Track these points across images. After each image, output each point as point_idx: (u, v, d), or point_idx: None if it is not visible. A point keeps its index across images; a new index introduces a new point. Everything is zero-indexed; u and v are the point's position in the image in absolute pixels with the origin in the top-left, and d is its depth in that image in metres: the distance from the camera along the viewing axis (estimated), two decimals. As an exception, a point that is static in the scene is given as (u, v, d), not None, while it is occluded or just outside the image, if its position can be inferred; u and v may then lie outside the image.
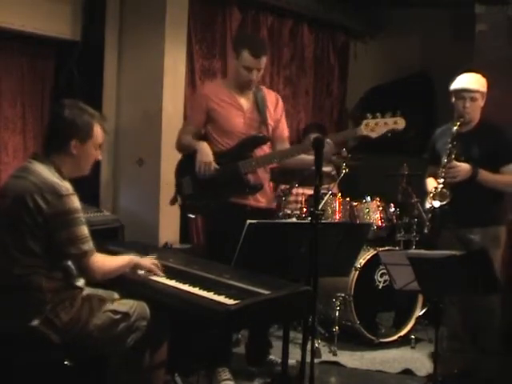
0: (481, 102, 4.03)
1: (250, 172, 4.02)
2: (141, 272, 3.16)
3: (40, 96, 5.00)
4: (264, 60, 4.01)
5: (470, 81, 4.02)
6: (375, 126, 3.82)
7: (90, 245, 2.88)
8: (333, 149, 3.93)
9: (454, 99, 4.05)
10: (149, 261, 3.20)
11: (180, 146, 4.24)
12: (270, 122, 4.12)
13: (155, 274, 3.15)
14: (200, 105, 4.11)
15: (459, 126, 3.97)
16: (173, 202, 4.25)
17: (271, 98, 4.19)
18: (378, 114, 3.82)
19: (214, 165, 3.99)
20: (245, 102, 4.09)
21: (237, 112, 4.06)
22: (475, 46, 5.61)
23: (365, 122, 3.83)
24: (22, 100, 4.89)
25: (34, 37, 4.74)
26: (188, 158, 4.17)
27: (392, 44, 7.07)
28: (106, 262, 2.99)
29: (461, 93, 4.00)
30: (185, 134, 4.18)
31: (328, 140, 3.85)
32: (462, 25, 6.22)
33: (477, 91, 4.00)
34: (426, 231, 4.78)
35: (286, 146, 4.22)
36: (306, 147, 4.01)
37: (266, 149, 4.11)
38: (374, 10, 7.06)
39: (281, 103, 4.23)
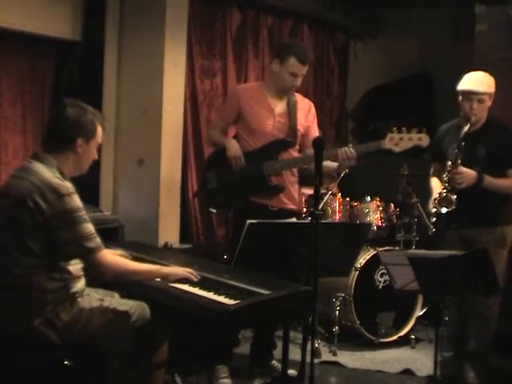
0: (488, 103, 3.94)
1: (274, 174, 4.08)
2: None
3: (40, 96, 5.00)
4: (307, 67, 4.09)
5: (478, 82, 3.92)
6: (399, 141, 3.87)
7: (96, 241, 2.86)
8: (355, 160, 3.95)
9: (460, 98, 3.95)
10: (181, 269, 3.11)
11: (210, 141, 4.48)
12: (300, 127, 4.16)
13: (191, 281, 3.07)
14: (232, 102, 4.20)
15: (467, 129, 3.88)
16: (196, 195, 4.32)
17: (304, 104, 4.24)
18: (403, 129, 3.86)
19: (243, 158, 4.07)
20: (277, 106, 4.14)
21: (267, 114, 4.11)
22: (475, 46, 5.61)
23: (389, 135, 3.88)
24: (22, 100, 4.89)
25: (34, 37, 4.74)
26: (216, 153, 4.29)
27: (392, 44, 7.07)
28: (117, 261, 2.98)
29: (468, 94, 3.89)
30: (214, 129, 4.34)
31: (352, 150, 3.89)
32: (462, 25, 6.23)
33: (484, 93, 3.90)
34: (430, 233, 4.77)
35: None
36: (330, 154, 4.02)
37: (293, 153, 4.16)
38: (374, 10, 7.07)
39: (313, 110, 4.28)
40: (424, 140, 3.87)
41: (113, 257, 2.98)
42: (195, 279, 3.09)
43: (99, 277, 2.98)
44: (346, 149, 3.93)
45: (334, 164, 4.07)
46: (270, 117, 4.11)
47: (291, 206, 4.18)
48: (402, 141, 3.87)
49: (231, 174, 4.11)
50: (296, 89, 4.14)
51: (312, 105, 4.31)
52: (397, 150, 3.89)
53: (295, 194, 4.23)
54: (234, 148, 4.10)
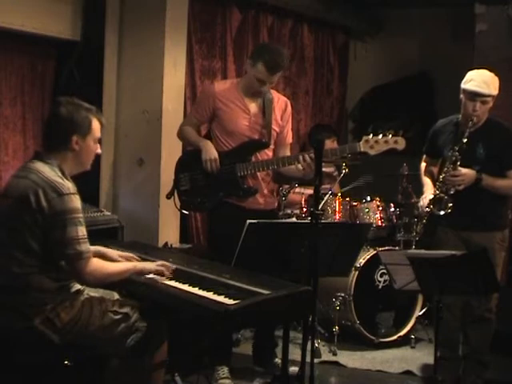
0: (491, 104, 3.90)
1: (247, 175, 4.05)
2: (150, 276, 3.11)
3: (40, 96, 4.99)
4: (279, 74, 4.03)
5: (484, 83, 3.84)
6: (375, 144, 3.85)
7: (86, 246, 2.84)
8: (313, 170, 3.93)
9: (463, 97, 3.91)
10: (153, 264, 3.14)
11: (182, 136, 4.36)
12: (275, 127, 4.14)
13: (164, 276, 3.09)
14: (207, 101, 4.15)
15: (469, 132, 3.84)
16: (169, 195, 4.33)
17: (280, 102, 4.20)
18: (379, 132, 3.85)
19: (218, 161, 4.04)
20: (253, 106, 4.11)
21: (243, 114, 4.08)
22: (475, 46, 5.61)
23: (365, 138, 3.86)
24: (21, 100, 4.88)
25: (34, 37, 4.74)
26: (189, 154, 4.27)
27: (392, 44, 7.07)
28: (102, 266, 2.94)
29: (473, 95, 3.84)
30: (188, 125, 4.26)
31: (312, 156, 3.81)
32: (462, 25, 6.23)
33: (489, 95, 3.85)
34: (418, 231, 4.78)
35: (287, 152, 4.24)
36: (291, 160, 4.02)
37: (268, 152, 4.14)
38: (374, 10, 7.07)
39: (289, 109, 4.24)
40: (400, 143, 3.84)
41: (97, 263, 2.92)
42: (167, 272, 3.09)
43: (81, 283, 2.96)
44: (306, 155, 3.88)
45: (300, 170, 4.03)
46: (246, 117, 4.09)
47: (263, 207, 4.15)
48: (378, 144, 3.85)
49: (204, 175, 4.09)
50: (261, 93, 4.06)
51: (289, 103, 4.27)
52: (372, 152, 3.87)
53: (269, 195, 4.22)
54: (210, 151, 4.05)
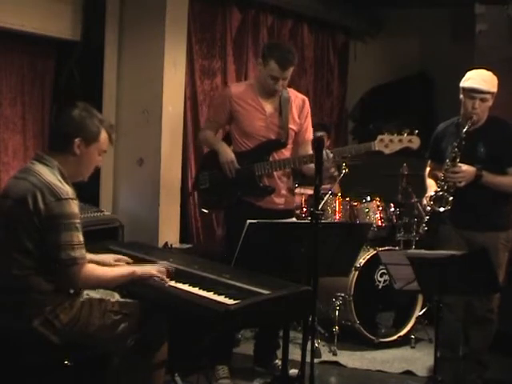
0: (490, 102, 3.90)
1: (265, 174, 4.07)
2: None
3: (40, 96, 4.99)
4: (291, 70, 4.03)
5: (482, 81, 3.86)
6: (389, 143, 3.88)
7: (81, 252, 2.82)
8: (332, 163, 3.99)
9: (462, 96, 3.91)
10: (151, 270, 3.06)
11: (201, 141, 4.49)
12: (292, 126, 4.14)
13: (163, 280, 3.04)
14: (223, 104, 4.18)
15: (468, 128, 3.84)
16: (190, 194, 4.53)
17: (297, 101, 4.20)
18: (394, 131, 3.87)
19: (236, 163, 4.08)
20: (269, 106, 4.12)
21: (259, 115, 4.10)
22: (475, 46, 5.61)
23: (380, 137, 3.89)
24: (21, 100, 4.88)
25: (34, 37, 4.74)
26: (210, 153, 4.32)
27: (392, 44, 7.08)
28: (96, 272, 2.90)
29: (471, 93, 3.85)
30: (207, 129, 4.31)
31: (329, 152, 3.89)
32: (462, 25, 6.23)
33: (488, 92, 3.86)
34: (421, 231, 4.78)
35: (309, 149, 4.23)
36: (307, 158, 4.02)
37: (285, 153, 4.14)
38: (374, 10, 7.08)
39: (307, 107, 4.24)
40: (414, 142, 3.87)
41: (92, 270, 2.88)
42: (166, 279, 3.03)
43: (71, 288, 2.91)
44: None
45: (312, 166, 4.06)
46: (262, 118, 4.09)
47: (282, 207, 4.16)
48: (392, 143, 3.88)
49: (223, 174, 4.12)
50: (280, 91, 4.08)
51: (306, 100, 4.27)
52: (387, 151, 3.90)
53: (287, 194, 4.21)
54: (226, 153, 4.09)
